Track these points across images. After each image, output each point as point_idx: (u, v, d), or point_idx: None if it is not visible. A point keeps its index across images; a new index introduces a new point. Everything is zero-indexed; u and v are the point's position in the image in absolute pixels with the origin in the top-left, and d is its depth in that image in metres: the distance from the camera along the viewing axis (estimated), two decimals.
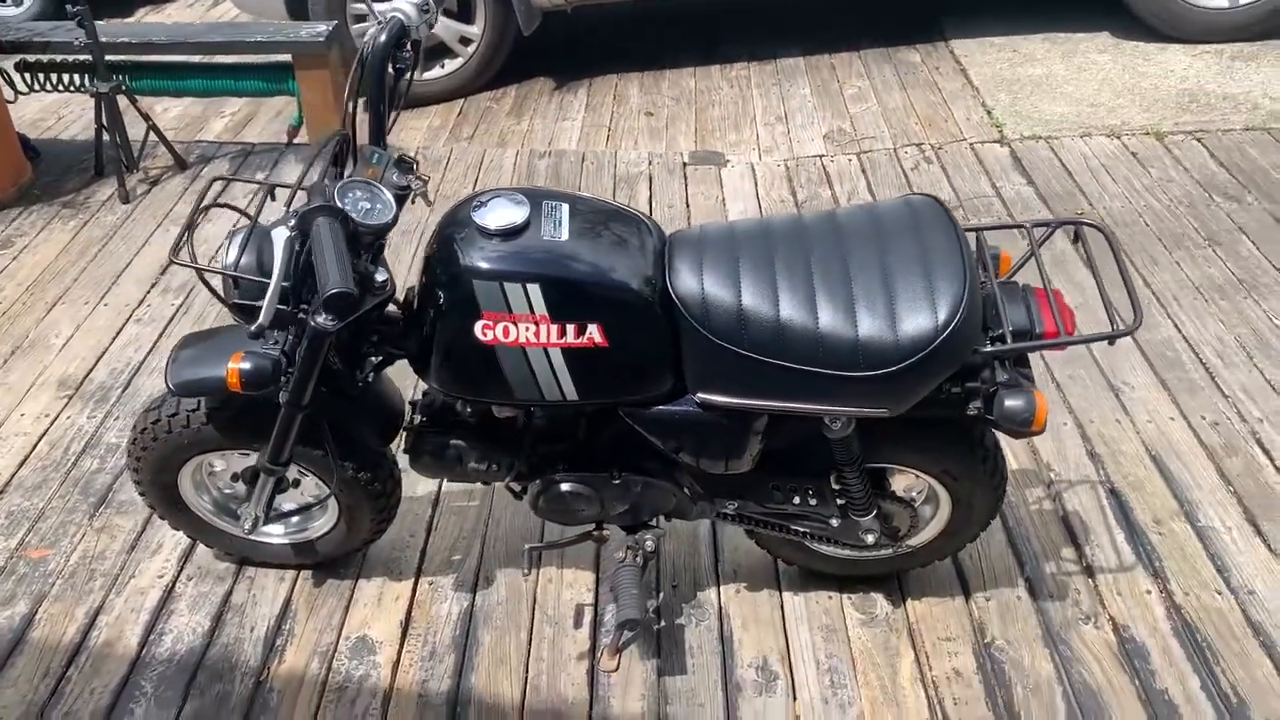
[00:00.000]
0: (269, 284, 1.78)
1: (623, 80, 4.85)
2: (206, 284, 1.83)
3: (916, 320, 1.69)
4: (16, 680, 2.16)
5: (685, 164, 4.03)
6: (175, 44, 3.88)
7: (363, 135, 1.83)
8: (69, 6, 3.58)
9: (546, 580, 2.34)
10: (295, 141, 4.24)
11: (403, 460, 2.12)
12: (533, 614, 2.27)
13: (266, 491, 2.12)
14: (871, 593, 2.27)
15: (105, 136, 3.89)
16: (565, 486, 2.00)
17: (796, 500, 2.04)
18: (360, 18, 4.51)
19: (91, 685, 2.15)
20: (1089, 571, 2.30)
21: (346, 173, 1.84)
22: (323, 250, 1.45)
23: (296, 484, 2.27)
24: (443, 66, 4.78)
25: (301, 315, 1.80)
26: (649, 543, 2.09)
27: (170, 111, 4.65)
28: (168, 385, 1.96)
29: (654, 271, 1.77)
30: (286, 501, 2.30)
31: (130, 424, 2.82)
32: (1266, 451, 2.55)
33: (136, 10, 6.08)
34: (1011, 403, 1.74)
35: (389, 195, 1.70)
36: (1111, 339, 1.73)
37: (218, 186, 1.90)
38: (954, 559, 2.32)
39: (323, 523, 2.28)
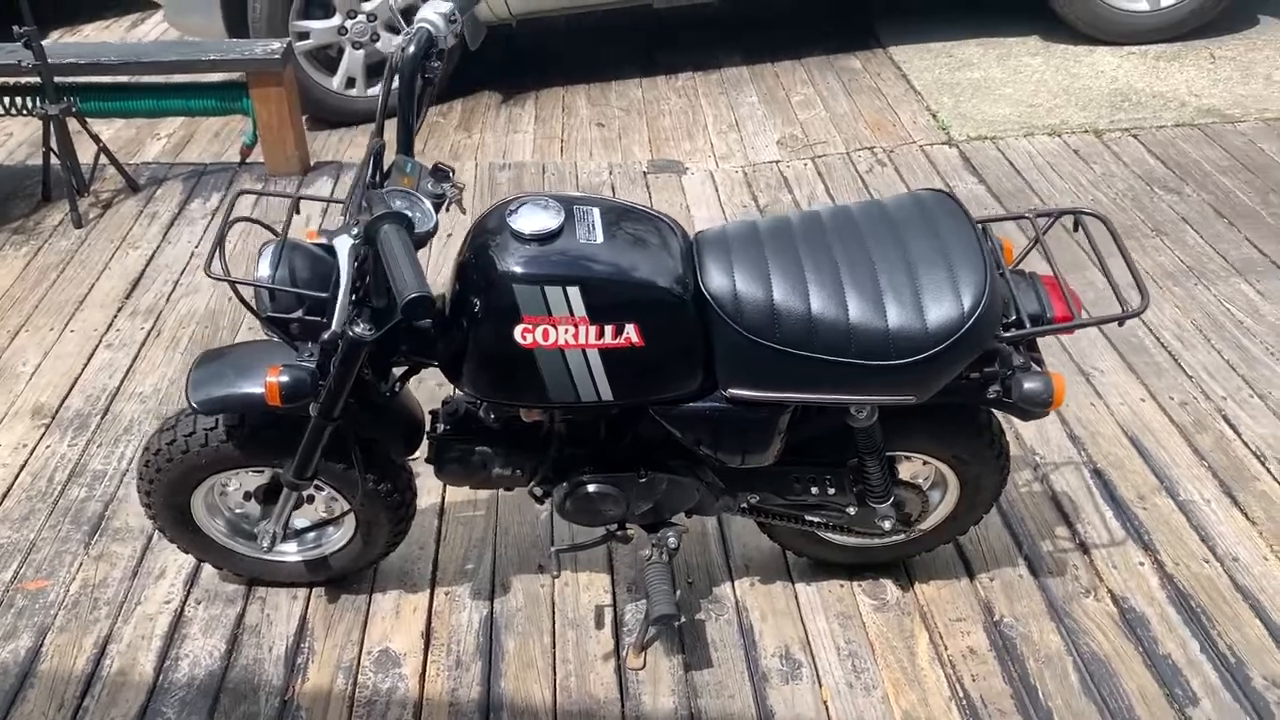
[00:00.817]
0: (304, 294, 1.80)
1: (569, 92, 4.89)
2: (240, 298, 1.83)
3: (943, 309, 1.76)
4: (30, 714, 2.11)
5: (646, 172, 4.08)
6: (126, 64, 3.81)
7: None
8: (15, 28, 3.49)
9: (564, 585, 2.36)
10: (249, 160, 4.18)
11: (421, 470, 2.12)
12: (553, 618, 2.29)
13: (288, 508, 2.11)
14: (880, 579, 2.35)
15: (54, 160, 3.79)
16: (592, 487, 2.03)
17: (815, 491, 2.10)
18: (303, 35, 4.47)
19: (110, 715, 2.11)
20: (1083, 548, 2.40)
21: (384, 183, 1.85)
22: (396, 257, 1.46)
23: (310, 499, 2.26)
24: None
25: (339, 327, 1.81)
26: (672, 540, 2.13)
27: (103, 134, 4.55)
28: (190, 404, 1.94)
29: (685, 271, 1.81)
30: (300, 518, 2.28)
31: (115, 450, 2.76)
32: (1233, 427, 2.69)
33: (79, 26, 5.91)
34: (1031, 385, 1.82)
35: (428, 204, 1.72)
36: (1122, 320, 1.83)
37: (245, 200, 1.88)
38: (955, 543, 2.40)
39: (338, 538, 2.27)
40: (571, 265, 1.74)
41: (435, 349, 1.90)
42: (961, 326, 1.75)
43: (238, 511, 2.27)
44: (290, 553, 2.30)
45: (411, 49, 1.81)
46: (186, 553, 2.29)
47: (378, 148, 1.80)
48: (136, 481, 2.15)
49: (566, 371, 1.80)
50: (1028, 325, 1.84)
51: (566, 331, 1.76)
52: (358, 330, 1.78)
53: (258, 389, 1.90)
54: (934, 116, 4.30)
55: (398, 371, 2.01)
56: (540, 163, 4.20)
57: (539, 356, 1.78)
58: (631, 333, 1.77)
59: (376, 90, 4.71)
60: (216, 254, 1.79)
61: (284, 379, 1.78)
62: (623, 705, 2.11)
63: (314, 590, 2.36)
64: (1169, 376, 2.87)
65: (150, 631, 2.28)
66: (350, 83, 4.67)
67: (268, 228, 1.98)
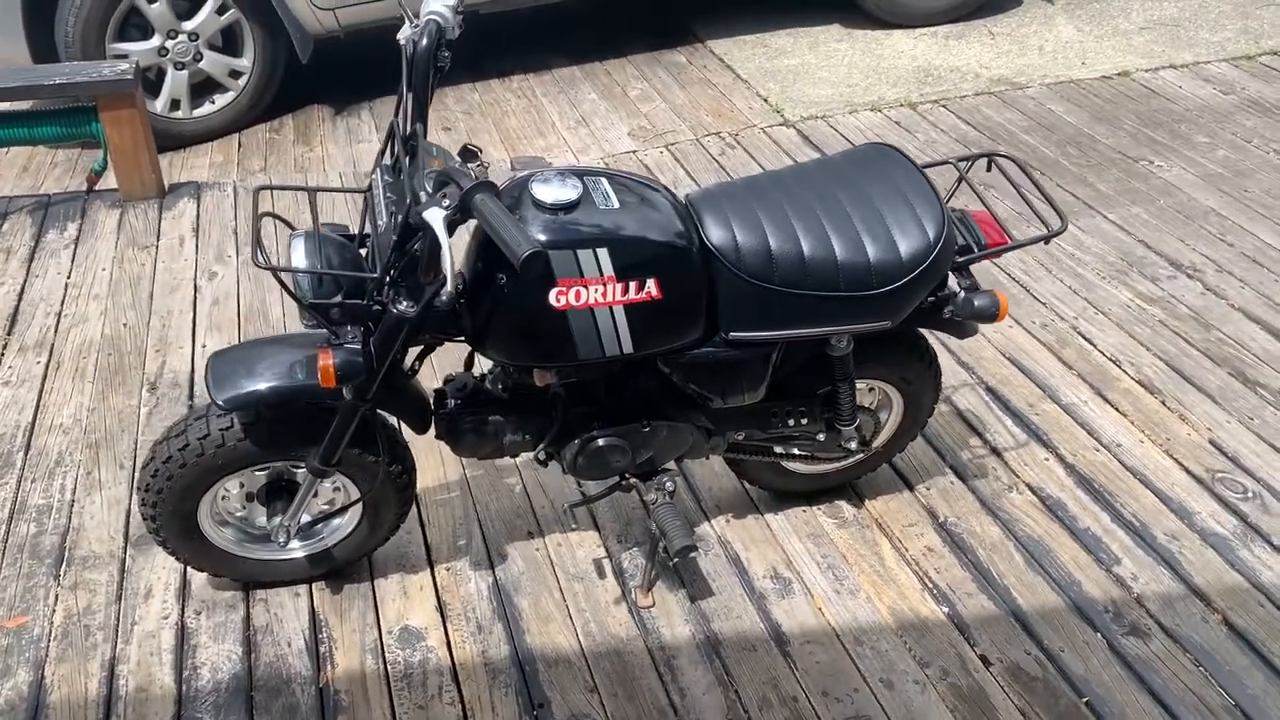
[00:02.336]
0: (360, 276, 1.88)
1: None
2: (284, 285, 1.88)
3: (913, 241, 2.04)
4: None
5: (514, 169, 4.21)
6: None
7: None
8: None
9: (556, 545, 2.50)
10: (97, 189, 4.03)
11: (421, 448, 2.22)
12: (556, 576, 2.43)
13: (306, 499, 2.16)
14: (835, 501, 2.62)
15: None
16: (602, 441, 2.19)
17: (791, 422, 2.34)
18: (121, 59, 4.33)
19: None
20: (996, 452, 2.76)
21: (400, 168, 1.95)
22: (501, 220, 1.58)
23: (314, 493, 2.30)
24: (213, 102, 4.69)
25: (377, 306, 1.90)
26: (669, 483, 2.31)
27: None
28: (217, 404, 1.97)
29: (688, 227, 2.01)
30: (303, 513, 2.32)
31: (52, 483, 2.68)
32: (1088, 340, 3.14)
33: None
34: (981, 301, 2.14)
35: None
36: (1047, 239, 2.17)
37: (265, 195, 1.93)
38: (890, 463, 2.70)
39: (343, 526, 2.32)
40: (600, 229, 1.90)
41: (460, 324, 2.01)
42: (930, 254, 2.04)
43: (239, 515, 2.28)
44: (293, 549, 2.33)
45: (424, 41, 1.92)
46: (186, 564, 2.28)
47: (407, 134, 1.90)
48: (140, 494, 2.14)
49: (595, 329, 1.96)
50: (975, 251, 2.15)
51: (597, 291, 1.92)
52: (401, 307, 1.88)
53: (297, 378, 1.95)
54: (766, 101, 4.66)
55: (413, 351, 2.10)
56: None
57: (571, 317, 1.93)
58: (652, 287, 1.95)
59: (203, 111, 4.63)
60: (257, 247, 1.84)
61: (337, 360, 1.86)
62: (645, 639, 2.28)
63: (313, 586, 2.40)
64: (1026, 305, 3.30)
65: (157, 648, 2.26)
66: (175, 104, 4.56)
67: (286, 222, 2.03)
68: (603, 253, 1.90)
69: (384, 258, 1.85)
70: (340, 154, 4.50)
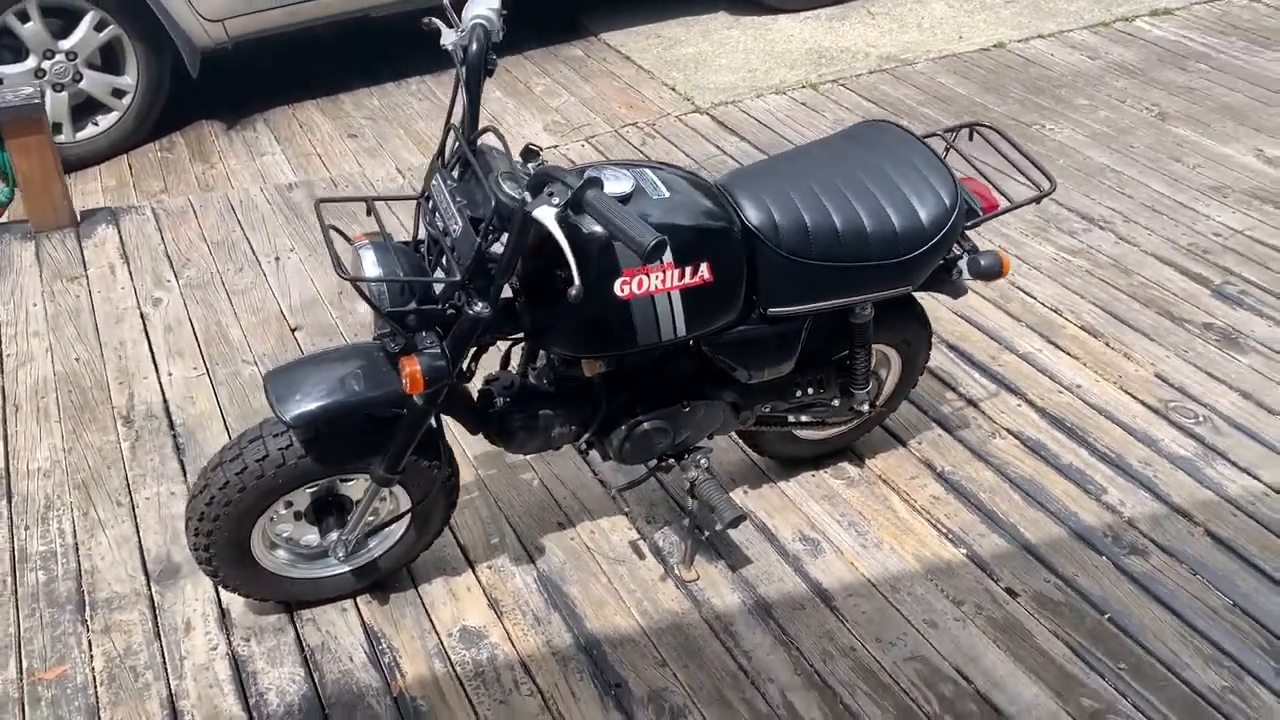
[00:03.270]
0: (427, 280, 1.89)
1: (299, 109, 4.86)
2: (364, 295, 1.88)
3: (931, 208, 2.19)
4: None
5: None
6: None
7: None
8: None
9: (590, 532, 2.56)
10: (4, 221, 3.82)
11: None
12: (597, 562, 2.49)
13: (368, 509, 2.16)
14: (839, 464, 2.76)
15: None
16: (647, 425, 2.26)
17: (810, 391, 2.47)
18: None
19: None
20: (972, 403, 2.96)
21: (456, 173, 1.97)
22: (618, 213, 1.63)
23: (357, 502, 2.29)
24: (96, 124, 4.50)
25: (451, 309, 1.92)
26: (703, 460, 2.41)
27: None
28: (286, 422, 1.95)
29: (728, 210, 2.10)
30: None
31: (49, 528, 2.57)
32: (1028, 294, 3.38)
33: None
34: (986, 261, 2.31)
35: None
36: (1039, 199, 2.36)
37: (325, 208, 1.92)
38: (882, 424, 2.86)
39: (390, 535, 2.32)
40: (658, 217, 1.97)
41: (518, 322, 2.05)
42: (949, 219, 2.20)
43: (285, 535, 2.25)
44: (335, 565, 2.32)
45: (474, 46, 1.95)
46: (235, 590, 2.24)
47: (456, 140, 1.93)
48: (194, 524, 2.09)
49: (654, 315, 2.03)
50: (977, 215, 2.32)
51: (657, 278, 1.99)
52: (476, 309, 1.90)
53: (360, 389, 1.95)
54: (674, 90, 4.77)
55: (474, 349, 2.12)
56: (327, 177, 4.18)
57: (634, 306, 2.00)
58: (705, 270, 2.04)
59: (86, 134, 4.43)
60: (336, 261, 1.84)
61: (424, 365, 1.87)
62: (699, 611, 2.37)
63: (358, 601, 2.38)
64: None
65: (214, 679, 2.21)
66: (56, 128, 4.35)
67: (345, 236, 2.01)
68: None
69: (465, 260, 1.87)
70: (244, 169, 4.39)
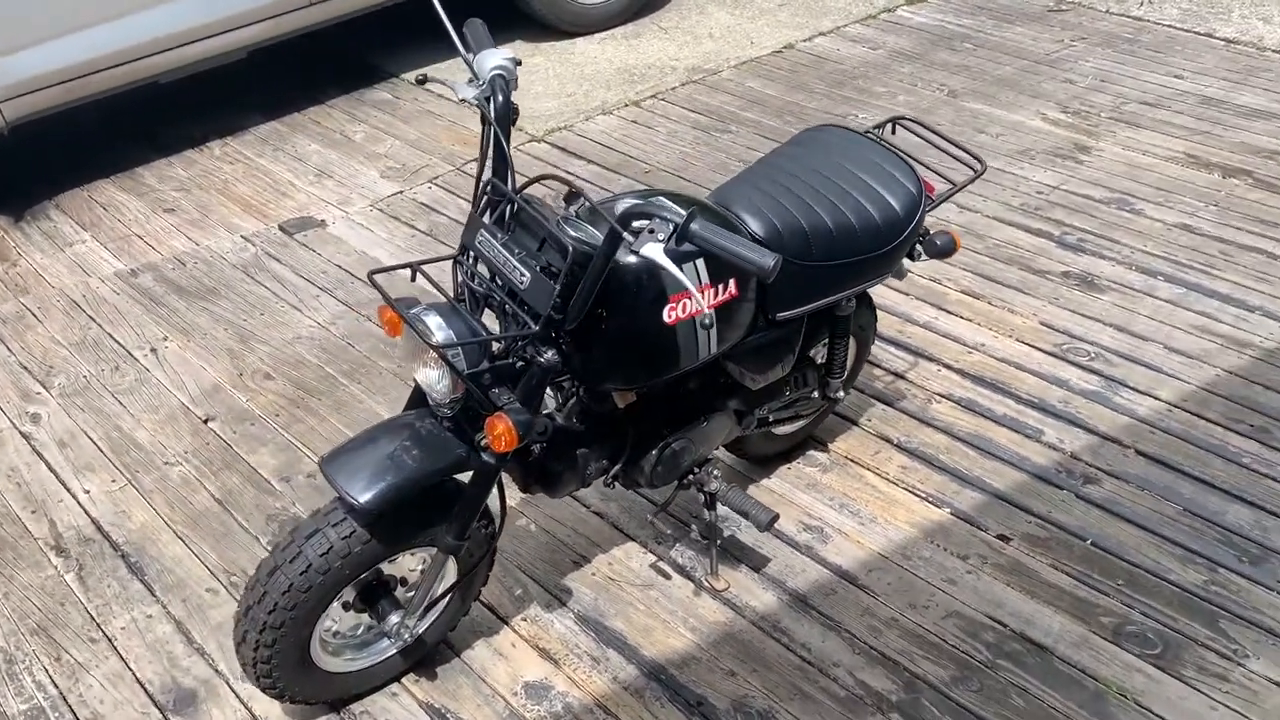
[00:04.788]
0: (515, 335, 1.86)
1: (94, 190, 4.51)
2: (447, 360, 1.83)
3: (901, 198, 2.37)
4: None
5: (289, 233, 4.03)
6: None
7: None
8: None
9: (608, 564, 2.57)
10: None
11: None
12: (627, 591, 2.50)
13: (437, 581, 2.09)
14: (807, 453, 2.90)
15: None
16: (677, 445, 2.31)
17: (797, 388, 2.59)
18: None
19: None
20: (898, 375, 3.18)
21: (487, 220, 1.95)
22: (729, 238, 1.67)
23: (404, 582, 2.20)
24: None
25: (520, 363, 1.90)
26: (715, 471, 2.47)
27: None
28: (361, 506, 1.87)
29: (738, 225, 2.18)
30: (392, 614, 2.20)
31: (23, 683, 2.30)
32: None
33: None
34: (941, 240, 2.51)
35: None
36: (976, 178, 2.59)
37: (380, 278, 1.85)
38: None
39: (436, 607, 2.24)
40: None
41: (569, 364, 2.04)
42: (918, 206, 2.38)
43: (334, 629, 2.13)
44: (384, 647, 2.22)
45: (501, 97, 1.94)
46: (293, 699, 2.11)
47: (489, 188, 1.92)
48: (255, 637, 1.96)
49: (694, 336, 2.09)
50: (932, 199, 2.51)
51: (697, 300, 2.05)
52: (546, 358, 1.90)
53: (421, 461, 1.90)
54: None
55: None
56: (166, 258, 3.90)
57: (679, 330, 2.04)
58: (733, 286, 2.11)
59: None
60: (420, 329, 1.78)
61: (516, 419, 1.83)
62: (744, 616, 2.44)
63: (404, 683, 2.29)
64: None
65: None
66: None
67: (391, 302, 1.93)
68: (700, 262, 2.03)
69: (542, 310, 1.85)
70: (54, 263, 4.02)
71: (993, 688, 2.27)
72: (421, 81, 2.10)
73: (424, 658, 2.30)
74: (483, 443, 1.97)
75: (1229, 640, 2.35)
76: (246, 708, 2.24)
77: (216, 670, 2.34)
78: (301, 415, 3.08)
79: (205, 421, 3.07)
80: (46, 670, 2.34)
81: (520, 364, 1.93)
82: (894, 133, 2.71)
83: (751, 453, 2.79)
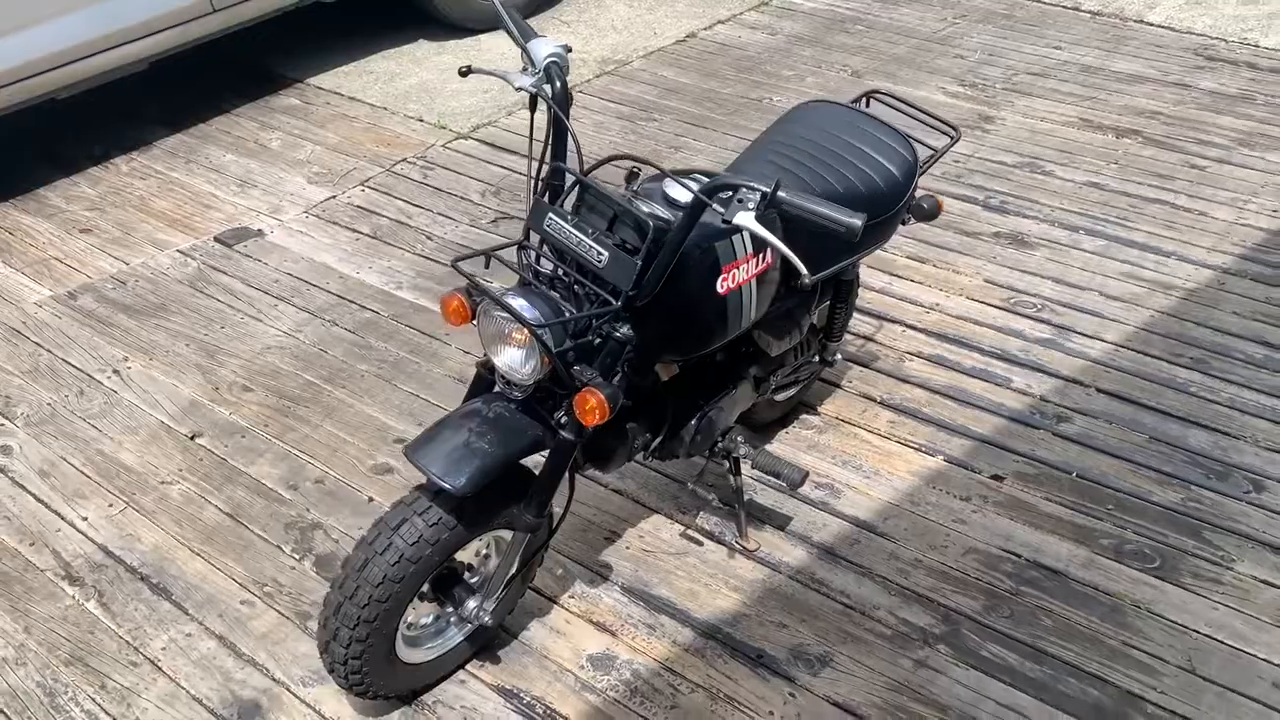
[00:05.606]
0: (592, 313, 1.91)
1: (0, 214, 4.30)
2: (541, 340, 1.87)
3: (899, 163, 2.52)
4: None
5: (228, 245, 3.93)
6: None
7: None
8: None
9: (640, 537, 2.65)
10: None
11: None
12: (664, 560, 2.58)
13: (515, 561, 2.12)
14: (801, 417, 3.04)
15: None
16: (712, 413, 2.40)
17: (802, 354, 2.71)
18: None
19: None
20: (867, 338, 3.35)
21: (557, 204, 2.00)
22: (816, 203, 1.76)
23: (470, 568, 2.23)
24: None
25: (599, 339, 1.96)
26: (739, 438, 2.58)
27: None
28: (455, 491, 1.90)
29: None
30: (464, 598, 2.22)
31: (71, 713, 2.22)
32: None
33: None
34: (928, 204, 2.68)
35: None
36: (954, 143, 2.76)
37: (464, 264, 1.89)
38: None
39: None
40: None
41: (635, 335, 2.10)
42: (915, 170, 2.53)
43: (408, 620, 2.14)
44: (451, 635, 2.24)
45: (559, 83, 1.99)
46: (377, 695, 2.11)
47: (550, 171, 1.97)
48: (346, 635, 1.96)
49: (740, 305, 2.18)
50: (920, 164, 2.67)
51: (745, 269, 2.14)
52: (622, 332, 1.96)
53: (505, 440, 1.94)
54: (422, 121, 4.75)
55: None
56: (99, 280, 3.76)
57: (730, 299, 2.14)
58: (768, 254, 2.22)
59: None
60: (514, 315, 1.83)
61: (607, 393, 1.89)
62: (780, 572, 2.55)
63: (469, 670, 2.32)
64: None
65: None
66: None
67: (479, 286, 1.96)
68: (745, 234, 2.12)
69: (624, 286, 1.91)
70: None
71: (1021, 612, 2.44)
72: (465, 73, 2.12)
73: (487, 644, 2.33)
74: (561, 420, 2.02)
75: (1214, 548, 2.60)
76: (315, 710, 2.23)
77: (274, 679, 2.31)
78: (292, 424, 3.03)
79: (192, 438, 2.99)
80: (94, 699, 2.26)
81: (598, 340, 1.98)
82: (868, 105, 2.86)
83: (756, 420, 2.90)
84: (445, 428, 2.00)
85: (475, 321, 2.04)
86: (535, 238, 2.07)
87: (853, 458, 2.89)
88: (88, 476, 2.86)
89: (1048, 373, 3.18)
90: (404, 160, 4.44)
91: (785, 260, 2.28)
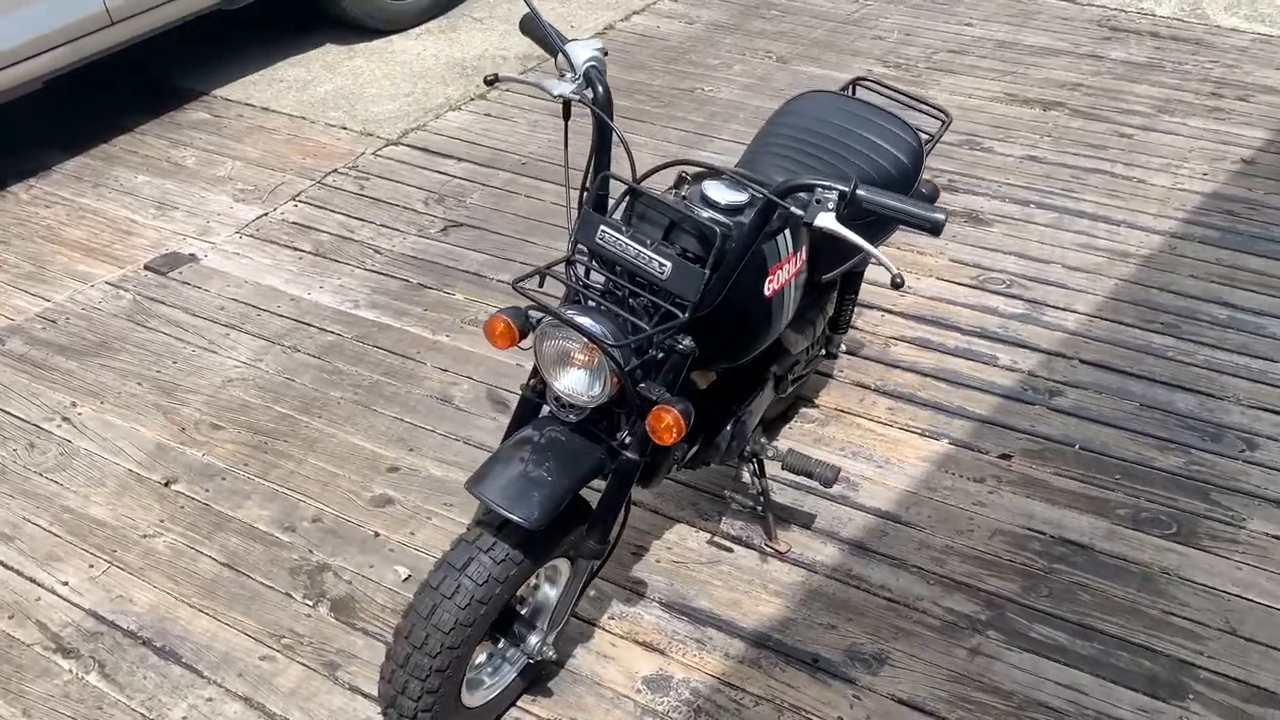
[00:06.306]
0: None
1: None
2: (613, 359, 1.78)
3: (905, 150, 2.49)
4: None
5: (161, 273, 3.68)
6: None
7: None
8: None
9: (668, 549, 2.57)
10: None
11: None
12: (697, 571, 2.52)
13: (577, 592, 2.03)
14: (800, 413, 3.01)
15: None
16: (745, 417, 2.35)
17: (810, 349, 2.68)
18: None
19: None
20: (851, 326, 3.33)
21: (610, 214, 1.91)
22: (899, 200, 1.70)
23: (521, 601, 2.12)
24: None
25: (661, 354, 1.88)
26: (764, 439, 2.53)
27: None
28: (526, 525, 1.81)
29: None
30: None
31: None
32: None
33: None
34: (928, 189, 2.67)
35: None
36: (946, 128, 2.75)
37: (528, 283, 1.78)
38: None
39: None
40: None
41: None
42: (922, 155, 2.52)
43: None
44: (507, 673, 2.14)
45: (600, 87, 1.90)
46: None
47: (600, 180, 1.89)
48: (418, 687, 1.85)
49: (783, 306, 2.13)
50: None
51: (788, 268, 2.09)
52: (684, 344, 1.88)
53: (582, 463, 1.87)
54: (345, 129, 4.55)
55: None
56: (24, 321, 3.48)
57: (774, 301, 2.08)
58: (803, 254, 2.17)
59: None
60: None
61: (679, 409, 1.81)
62: (816, 572, 2.51)
63: (521, 705, 2.21)
64: None
65: None
66: None
67: (543, 308, 1.84)
68: (787, 233, 2.07)
69: (690, 297, 1.83)
70: None
71: (1059, 590, 2.46)
72: (491, 82, 2.00)
73: (536, 676, 2.23)
74: (625, 440, 1.94)
75: (1224, 509, 2.66)
76: None
77: None
78: (274, 460, 2.85)
79: (167, 485, 2.78)
80: None
81: (660, 355, 1.90)
82: (854, 93, 2.84)
83: (764, 417, 2.85)
84: (506, 458, 1.89)
85: (523, 344, 1.93)
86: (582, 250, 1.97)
87: (860, 449, 2.87)
88: (58, 537, 2.63)
89: (1030, 348, 3.22)
90: (335, 171, 4.24)
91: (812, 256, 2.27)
